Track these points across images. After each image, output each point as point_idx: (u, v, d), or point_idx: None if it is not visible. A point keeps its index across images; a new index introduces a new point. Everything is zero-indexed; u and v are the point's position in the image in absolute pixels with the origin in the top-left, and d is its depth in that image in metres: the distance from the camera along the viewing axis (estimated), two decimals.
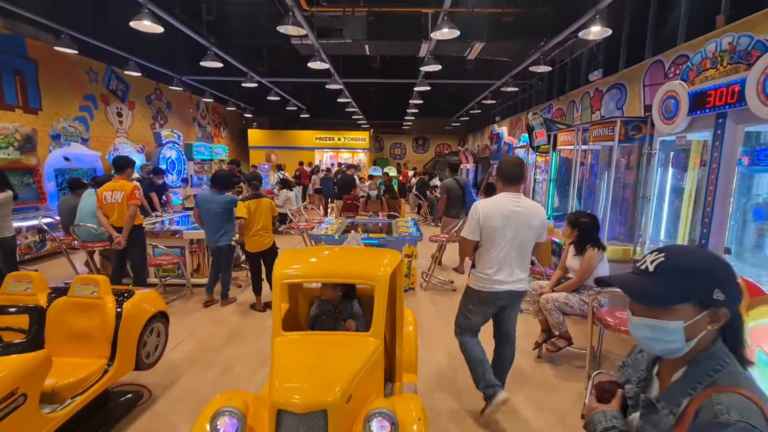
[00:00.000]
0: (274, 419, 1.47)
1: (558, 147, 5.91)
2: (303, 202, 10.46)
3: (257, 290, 4.76)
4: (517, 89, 10.89)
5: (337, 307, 2.39)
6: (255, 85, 11.08)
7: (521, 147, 8.30)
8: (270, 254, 4.72)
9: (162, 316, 3.02)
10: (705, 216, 3.25)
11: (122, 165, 4.50)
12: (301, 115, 16.85)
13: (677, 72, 5.76)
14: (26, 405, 1.88)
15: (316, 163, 17.12)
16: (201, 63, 8.26)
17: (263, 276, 4.81)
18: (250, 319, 4.59)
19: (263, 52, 11.44)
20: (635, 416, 1.03)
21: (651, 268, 0.93)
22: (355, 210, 7.92)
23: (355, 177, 9.60)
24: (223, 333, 4.21)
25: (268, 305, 4.80)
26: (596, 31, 5.86)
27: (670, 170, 4.25)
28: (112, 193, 4.35)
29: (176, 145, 11.71)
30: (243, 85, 10.84)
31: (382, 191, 8.32)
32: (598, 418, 1.06)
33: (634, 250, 4.24)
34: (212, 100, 14.23)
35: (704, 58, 3.31)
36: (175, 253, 5.24)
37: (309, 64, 8.31)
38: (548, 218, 6.15)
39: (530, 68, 8.37)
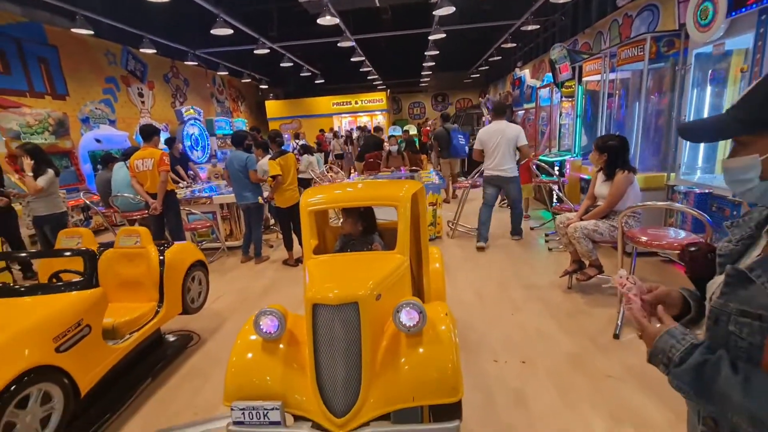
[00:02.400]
0: (311, 313, 1.58)
1: (584, 79, 5.60)
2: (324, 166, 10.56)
3: (289, 245, 4.94)
4: (538, 27, 10.24)
5: (349, 244, 2.45)
6: (267, 51, 10.96)
7: (544, 87, 7.91)
8: (296, 208, 4.86)
9: (201, 266, 3.21)
10: None
11: (149, 133, 4.65)
12: (316, 81, 16.63)
13: None
14: (92, 335, 2.09)
15: (335, 129, 17.06)
16: (212, 32, 8.21)
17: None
18: (284, 273, 4.80)
19: (273, 16, 11.19)
20: (715, 282, 0.85)
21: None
22: (377, 168, 7.90)
23: (383, 138, 9.52)
24: (259, 286, 4.44)
25: (299, 260, 4.99)
26: None
27: (708, 89, 3.96)
28: (143, 161, 4.53)
29: (198, 122, 11.92)
30: (256, 52, 10.73)
31: (402, 147, 8.22)
32: (668, 343, 0.81)
33: (667, 176, 4.06)
34: (227, 73, 14.24)
35: None
36: (208, 218, 5.47)
37: (318, 21, 8.10)
38: (577, 156, 5.95)
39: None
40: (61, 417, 1.86)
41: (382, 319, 1.72)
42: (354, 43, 10.98)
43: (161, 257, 2.78)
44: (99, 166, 7.71)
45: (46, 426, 1.83)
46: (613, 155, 3.32)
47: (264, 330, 1.66)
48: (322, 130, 14.72)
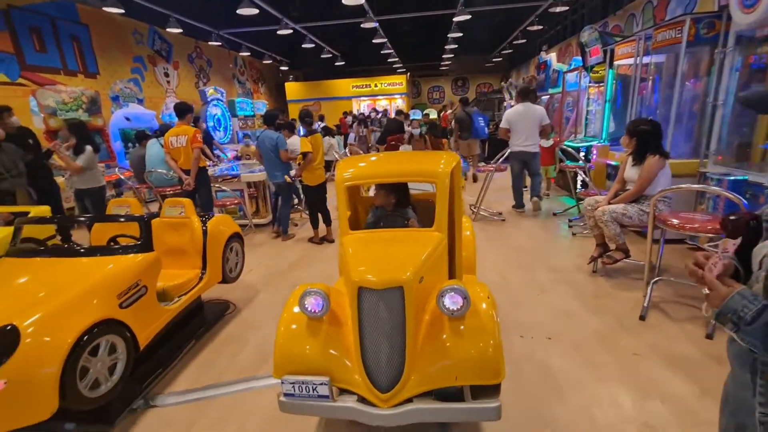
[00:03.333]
0: (356, 296, 1.64)
1: (615, 62, 5.48)
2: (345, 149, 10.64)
3: (315, 224, 5.07)
4: (567, 8, 9.96)
5: (384, 218, 2.45)
6: (290, 31, 10.97)
7: (571, 71, 7.75)
8: (324, 188, 4.99)
9: (238, 238, 3.35)
10: None
11: (183, 110, 4.79)
12: (336, 63, 16.57)
13: None
14: (148, 295, 2.25)
15: (354, 112, 17.04)
16: (238, 11, 8.26)
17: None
18: (310, 250, 4.94)
19: None
20: (765, 246, 0.89)
21: None
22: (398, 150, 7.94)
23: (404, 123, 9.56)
24: (287, 261, 4.59)
25: (324, 238, 5.13)
26: None
27: (747, 74, 3.86)
28: (177, 138, 4.68)
29: (221, 102, 12.07)
30: (278, 32, 10.75)
31: (424, 130, 8.23)
32: (739, 303, 0.86)
33: (701, 162, 4.00)
34: (249, 54, 14.31)
35: None
36: (236, 195, 5.64)
37: (343, 0, 8.06)
38: (604, 141, 5.87)
39: None
40: (124, 366, 2.03)
41: (424, 299, 1.77)
42: (377, 24, 10.88)
43: (204, 228, 2.92)
44: (131, 144, 8.00)
45: (112, 373, 2.00)
46: (644, 140, 3.30)
47: (309, 309, 1.73)
48: (345, 113, 14.72)
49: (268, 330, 3.06)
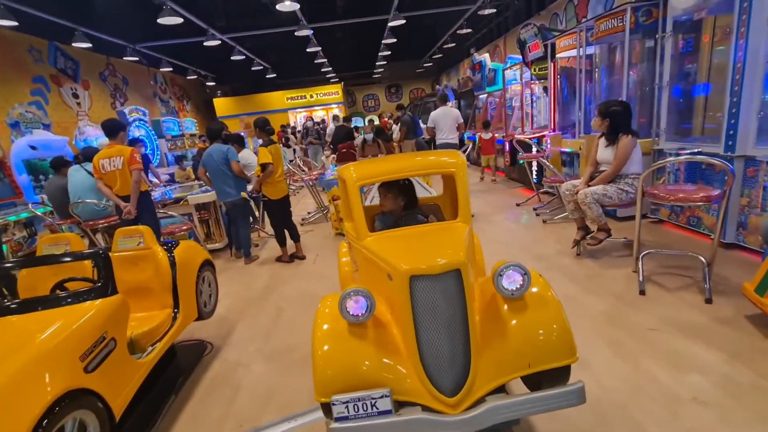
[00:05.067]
0: (407, 288, 1.43)
1: (557, 55, 5.76)
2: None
3: (282, 241, 4.64)
4: (494, 10, 10.47)
5: (400, 219, 2.30)
6: (217, 42, 10.29)
7: (510, 68, 8.10)
8: (288, 201, 4.61)
9: (209, 265, 2.89)
10: (734, 84, 3.25)
11: (114, 128, 4.12)
12: (267, 76, 15.94)
13: None
14: (118, 350, 1.77)
15: (292, 124, 16.51)
16: (158, 20, 7.51)
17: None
18: (279, 270, 4.50)
19: (220, 5, 10.49)
20: None
21: None
22: (353, 158, 7.69)
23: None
24: (258, 286, 4.13)
25: (295, 255, 4.72)
26: None
27: (678, 56, 4.20)
28: (110, 160, 4.02)
29: (144, 123, 10.96)
30: (206, 44, 10.02)
31: (372, 136, 8.10)
32: None
33: (654, 141, 4.27)
34: (171, 69, 13.23)
35: None
36: (184, 220, 5.01)
37: (278, 6, 7.69)
38: (555, 132, 6.13)
39: None
40: None
41: (473, 287, 1.61)
42: (311, 32, 10.61)
43: (171, 258, 2.45)
44: (42, 176, 6.86)
45: None
46: (616, 120, 3.41)
47: (351, 313, 1.49)
48: (283, 126, 14.16)
49: (259, 367, 2.65)
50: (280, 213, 4.57)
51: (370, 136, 7.54)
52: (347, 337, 1.48)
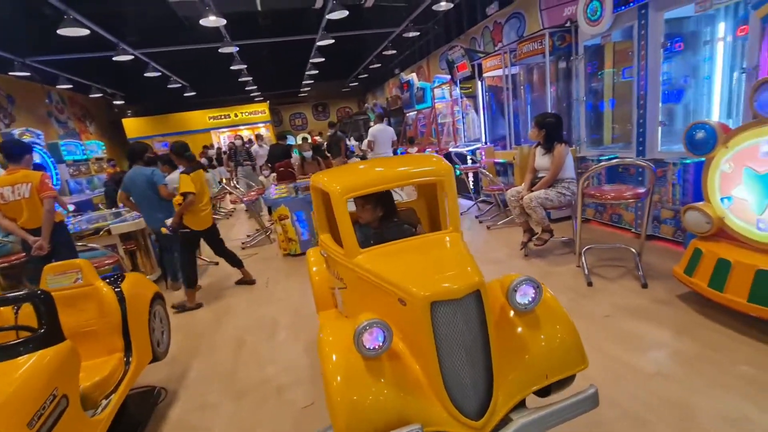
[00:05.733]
0: (428, 314, 1.36)
1: (484, 74, 6.24)
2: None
3: (193, 281, 3.97)
4: (418, 33, 11.07)
5: (384, 231, 2.23)
6: (129, 58, 9.42)
7: (438, 87, 8.59)
8: (216, 230, 4.19)
9: (160, 298, 2.56)
10: (640, 98, 3.79)
11: (18, 151, 3.52)
12: (186, 94, 14.94)
13: None
14: (71, 408, 1.47)
15: (216, 145, 15.60)
16: (59, 32, 6.66)
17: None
18: (230, 297, 4.15)
19: (129, 19, 9.65)
20: None
21: None
22: (292, 177, 7.47)
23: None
24: (208, 317, 3.76)
25: (243, 282, 4.37)
26: None
27: (587, 75, 4.81)
28: (14, 188, 3.40)
29: (39, 147, 9.54)
30: (114, 59, 9.10)
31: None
32: None
33: (577, 149, 4.78)
34: (70, 87, 11.77)
35: None
36: (107, 253, 4.40)
37: (201, 22, 7.29)
38: (487, 143, 6.58)
39: (433, 7, 8.54)
40: None
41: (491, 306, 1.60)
42: (236, 49, 10.22)
43: (118, 291, 2.12)
44: None
45: None
46: (551, 130, 3.77)
47: (369, 347, 1.39)
48: (205, 147, 13.31)
49: (229, 407, 2.39)
50: (212, 243, 4.15)
51: (309, 154, 7.40)
52: (365, 374, 1.37)
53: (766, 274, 2.17)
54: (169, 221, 3.95)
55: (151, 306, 2.38)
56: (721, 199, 2.47)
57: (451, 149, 7.40)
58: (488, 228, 5.29)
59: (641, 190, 3.11)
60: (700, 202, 2.63)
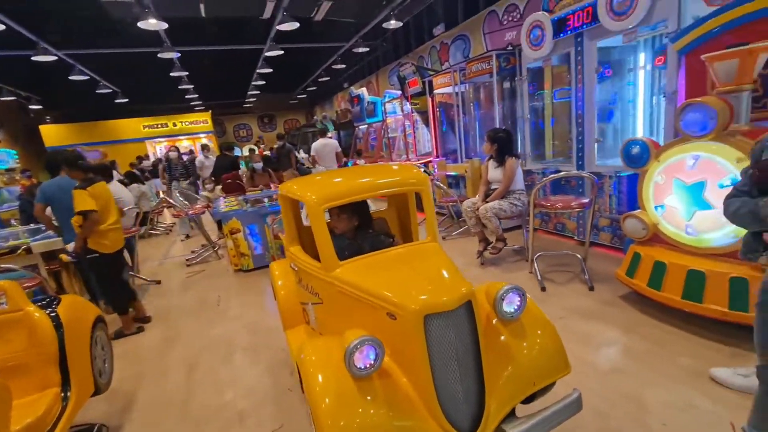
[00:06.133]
0: (422, 328, 1.34)
1: (435, 91, 6.48)
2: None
3: (122, 308, 3.57)
4: (368, 49, 11.26)
5: (361, 242, 2.15)
6: (52, 58, 8.55)
7: (390, 102, 8.76)
8: (122, 257, 3.78)
9: (101, 322, 2.29)
10: (578, 117, 4.14)
11: None
12: (117, 101, 13.84)
13: (510, 19, 6.91)
14: None
15: (151, 156, 14.55)
16: None
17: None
18: (177, 320, 3.83)
19: (54, 16, 8.80)
20: None
21: None
22: (240, 188, 7.16)
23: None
24: (152, 342, 3.43)
25: (139, 319, 3.77)
26: None
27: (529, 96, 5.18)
28: None
29: None
30: (34, 59, 8.20)
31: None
32: None
33: (523, 163, 5.09)
34: None
35: None
36: (27, 275, 3.87)
37: (140, 24, 6.85)
38: (439, 157, 6.79)
39: (383, 24, 8.77)
40: None
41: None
42: (177, 55, 9.69)
43: (54, 316, 1.86)
44: None
45: None
46: (503, 144, 3.99)
47: (361, 366, 1.34)
48: (139, 157, 12.36)
49: None
50: (110, 272, 3.52)
51: (259, 165, 7.14)
52: (355, 395, 1.31)
53: (696, 274, 2.44)
54: (70, 246, 3.43)
55: (93, 331, 2.12)
56: (655, 207, 2.76)
57: (405, 163, 7.56)
58: (444, 238, 5.43)
59: (585, 201, 3.37)
60: (637, 211, 2.90)
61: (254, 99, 18.20)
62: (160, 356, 3.14)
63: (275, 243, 4.90)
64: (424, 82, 6.71)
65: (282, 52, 10.02)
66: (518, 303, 1.57)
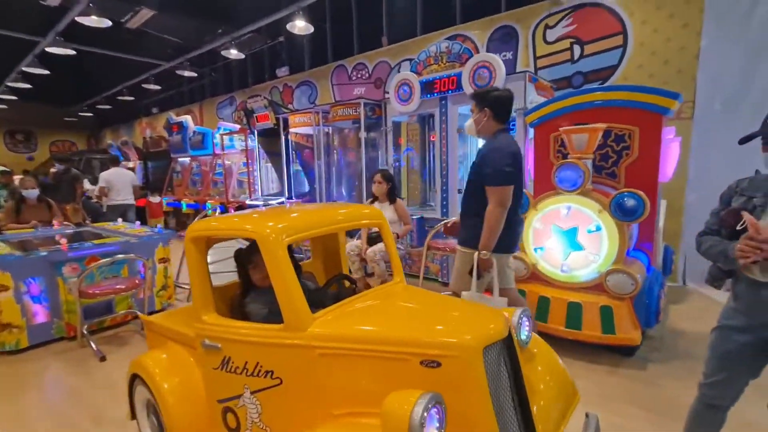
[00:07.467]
0: (482, 364, 1.12)
1: (291, 129, 6.15)
2: None
3: None
4: (195, 74, 9.96)
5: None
6: None
7: (227, 134, 7.82)
8: None
9: None
10: (443, 169, 4.59)
11: None
12: None
13: (358, 75, 7.39)
14: None
15: None
16: None
17: None
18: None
19: None
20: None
21: None
22: None
23: None
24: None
25: None
26: (301, 26, 6.49)
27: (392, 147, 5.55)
28: None
29: None
30: None
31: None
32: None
33: None
34: None
35: (428, 56, 4.59)
36: None
37: None
38: (292, 198, 6.35)
39: (222, 52, 7.99)
40: None
41: None
42: None
43: None
44: None
45: None
46: (392, 185, 4.00)
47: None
48: None
49: None
50: None
51: (34, 193, 4.97)
52: None
53: (575, 305, 2.88)
54: None
55: None
56: (535, 249, 3.18)
57: (248, 202, 6.74)
58: None
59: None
60: (519, 252, 3.30)
61: (4, 105, 13.37)
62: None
63: (79, 303, 3.35)
64: (278, 119, 6.29)
65: (74, 52, 7.79)
66: (528, 327, 1.47)
